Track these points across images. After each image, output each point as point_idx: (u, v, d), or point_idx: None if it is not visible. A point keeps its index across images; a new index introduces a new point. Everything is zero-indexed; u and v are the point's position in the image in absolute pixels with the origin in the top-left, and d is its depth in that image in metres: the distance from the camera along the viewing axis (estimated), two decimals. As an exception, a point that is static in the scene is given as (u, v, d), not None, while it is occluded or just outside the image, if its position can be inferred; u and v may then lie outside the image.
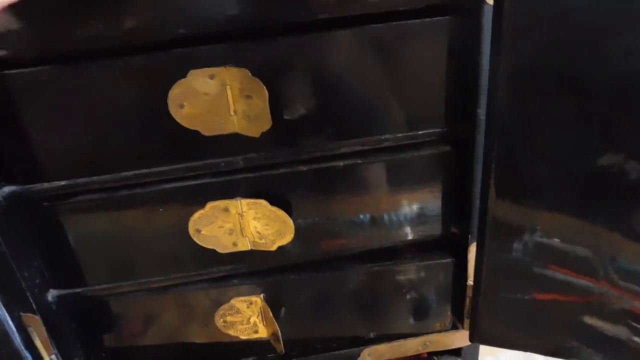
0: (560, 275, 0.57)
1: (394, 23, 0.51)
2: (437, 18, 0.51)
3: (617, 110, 0.47)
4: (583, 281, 0.56)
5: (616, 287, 0.55)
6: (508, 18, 0.45)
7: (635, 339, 0.57)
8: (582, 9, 0.43)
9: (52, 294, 0.60)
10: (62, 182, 0.54)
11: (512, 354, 0.89)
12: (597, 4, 0.43)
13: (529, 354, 0.69)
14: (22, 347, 0.56)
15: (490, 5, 0.47)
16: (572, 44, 0.45)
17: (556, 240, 0.55)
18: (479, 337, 0.66)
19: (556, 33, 0.45)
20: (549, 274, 0.58)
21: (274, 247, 0.58)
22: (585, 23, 0.44)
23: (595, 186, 0.51)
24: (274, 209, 0.56)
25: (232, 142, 0.53)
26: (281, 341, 0.63)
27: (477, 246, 0.59)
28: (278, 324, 0.63)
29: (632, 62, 0.44)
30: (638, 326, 0.56)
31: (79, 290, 0.61)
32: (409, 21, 0.51)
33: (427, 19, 0.51)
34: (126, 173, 0.54)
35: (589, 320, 0.59)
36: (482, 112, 0.53)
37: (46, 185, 0.54)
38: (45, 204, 0.55)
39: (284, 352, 0.65)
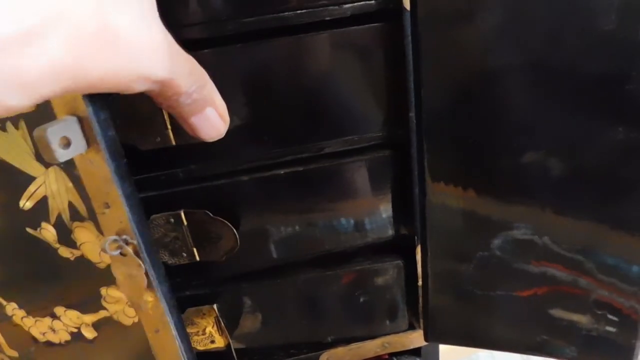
0: (517, 266, 0.58)
1: (325, 32, 0.52)
2: (363, 26, 0.52)
3: (540, 102, 0.48)
4: (552, 270, 0.57)
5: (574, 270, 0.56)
6: (422, 22, 0.46)
7: (609, 328, 0.58)
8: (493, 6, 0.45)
9: None
10: None
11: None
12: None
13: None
14: None
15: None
16: (486, 41, 0.47)
17: (502, 232, 0.56)
18: (433, 336, 0.67)
19: (470, 32, 0.47)
20: (500, 267, 0.59)
21: (222, 257, 0.59)
22: (497, 19, 0.46)
23: (525, 177, 0.52)
24: (217, 219, 0.57)
25: (171, 155, 0.54)
26: (233, 350, 0.63)
27: (421, 246, 0.60)
28: (234, 332, 0.64)
29: (552, 53, 0.46)
30: (607, 315, 0.57)
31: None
32: (337, 30, 0.52)
33: (354, 27, 0.52)
34: (68, 190, 0.55)
35: (555, 313, 0.60)
36: (414, 115, 0.54)
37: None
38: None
39: (237, 360, 0.65)
